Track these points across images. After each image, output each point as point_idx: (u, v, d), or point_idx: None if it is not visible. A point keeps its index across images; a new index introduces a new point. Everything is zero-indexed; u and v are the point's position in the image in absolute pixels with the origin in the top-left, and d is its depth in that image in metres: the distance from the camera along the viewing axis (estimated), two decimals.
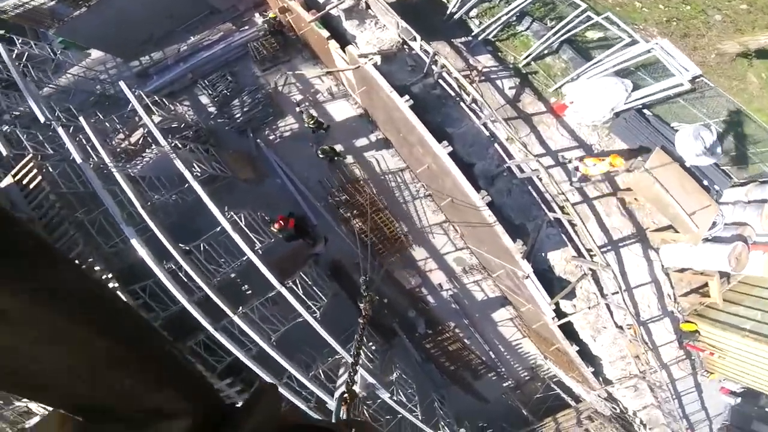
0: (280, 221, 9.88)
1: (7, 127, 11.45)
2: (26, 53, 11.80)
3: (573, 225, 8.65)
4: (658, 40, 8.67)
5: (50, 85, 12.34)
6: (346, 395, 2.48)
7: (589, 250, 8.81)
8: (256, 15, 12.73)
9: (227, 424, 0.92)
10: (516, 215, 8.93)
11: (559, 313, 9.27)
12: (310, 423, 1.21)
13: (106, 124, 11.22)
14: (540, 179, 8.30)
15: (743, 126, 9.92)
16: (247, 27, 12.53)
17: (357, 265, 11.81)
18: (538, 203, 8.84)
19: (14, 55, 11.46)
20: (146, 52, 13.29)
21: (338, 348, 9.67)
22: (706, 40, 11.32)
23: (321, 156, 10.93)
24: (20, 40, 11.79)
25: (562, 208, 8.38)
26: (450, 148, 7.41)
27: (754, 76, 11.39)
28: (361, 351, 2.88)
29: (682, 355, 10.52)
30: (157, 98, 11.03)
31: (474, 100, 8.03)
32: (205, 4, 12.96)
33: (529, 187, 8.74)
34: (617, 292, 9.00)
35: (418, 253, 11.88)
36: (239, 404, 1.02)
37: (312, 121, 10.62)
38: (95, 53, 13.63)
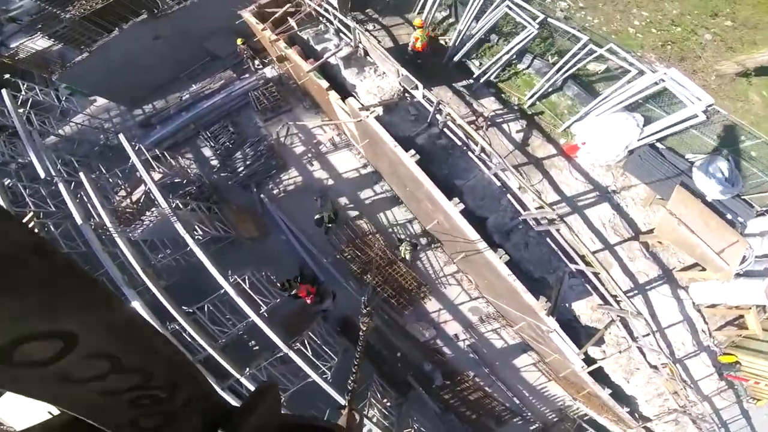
0: (305, 289, 9.76)
1: (9, 180, 11.40)
2: (30, 100, 11.74)
3: (596, 274, 8.20)
4: (665, 69, 8.30)
5: (54, 134, 12.36)
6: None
7: (615, 296, 8.36)
8: (257, 62, 12.83)
9: (228, 424, 0.94)
10: (535, 269, 8.48)
11: (589, 360, 8.77)
12: (309, 423, 1.23)
13: (108, 179, 11.21)
14: (558, 230, 7.89)
15: (758, 150, 9.44)
16: (247, 75, 12.62)
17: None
18: (557, 255, 8.39)
19: (19, 102, 11.39)
20: (149, 99, 13.49)
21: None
22: (703, 62, 11.17)
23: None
24: (25, 86, 11.76)
25: (583, 258, 7.92)
26: (462, 206, 7.08)
27: (756, 95, 11.20)
28: (358, 368, 2.87)
29: (723, 386, 10.06)
30: (158, 152, 11.03)
31: (482, 149, 7.73)
32: (205, 52, 13.16)
33: (548, 239, 8.31)
34: (649, 335, 8.52)
35: (431, 305, 11.43)
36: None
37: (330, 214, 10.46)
38: (100, 100, 13.82)
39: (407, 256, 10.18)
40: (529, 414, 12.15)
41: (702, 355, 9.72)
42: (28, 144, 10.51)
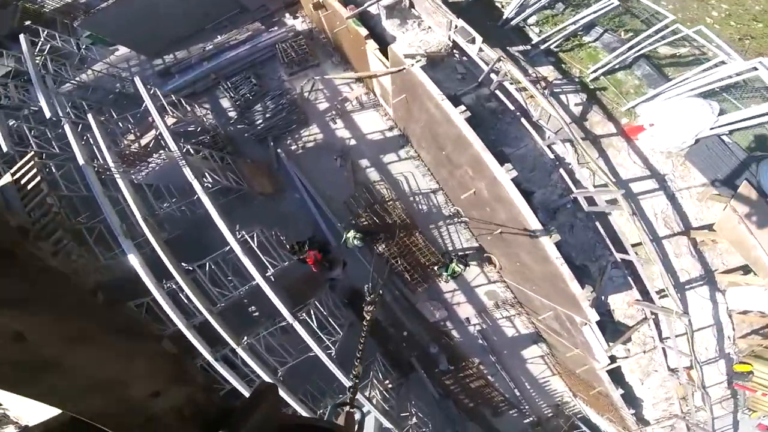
0: (312, 255, 8.10)
1: (13, 121, 9.82)
2: (49, 46, 10.46)
3: (642, 264, 6.63)
4: (760, 58, 6.63)
5: (70, 81, 10.70)
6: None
7: (659, 292, 6.84)
8: (287, 15, 10.92)
9: (228, 424, 0.89)
10: (578, 254, 6.87)
11: (611, 358, 7.58)
12: (309, 423, 1.13)
13: (119, 123, 9.48)
14: (610, 213, 6.23)
15: None
16: (276, 27, 10.71)
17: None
18: (604, 241, 6.73)
19: (37, 48, 10.13)
20: (171, 50, 11.61)
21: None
22: None
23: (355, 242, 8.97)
24: (45, 32, 10.35)
25: (636, 246, 6.30)
26: (515, 173, 5.37)
27: None
28: (360, 362, 2.31)
29: (727, 395, 8.98)
30: (174, 98, 9.26)
31: (540, 117, 5.96)
32: (235, 3, 11.25)
33: (597, 223, 6.62)
34: (683, 335, 7.25)
35: (446, 284, 9.79)
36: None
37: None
38: (121, 51, 12.05)
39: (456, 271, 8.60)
40: (526, 407, 11.04)
41: (720, 362, 8.54)
42: (38, 86, 8.95)
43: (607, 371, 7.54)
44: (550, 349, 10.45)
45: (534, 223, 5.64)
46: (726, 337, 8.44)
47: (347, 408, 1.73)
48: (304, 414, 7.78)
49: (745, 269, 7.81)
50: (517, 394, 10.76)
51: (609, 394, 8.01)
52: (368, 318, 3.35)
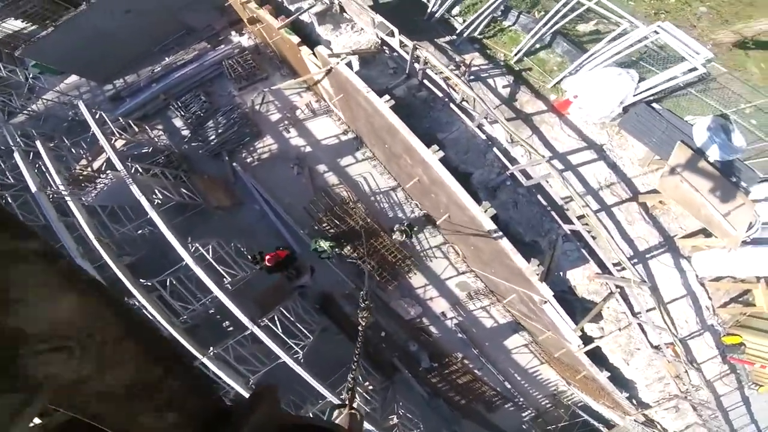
0: (269, 257, 8.48)
1: None
2: None
3: (594, 237, 7.08)
4: (660, 23, 7.35)
5: (21, 112, 11.24)
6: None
7: (616, 264, 7.23)
8: (233, 33, 11.69)
9: (227, 424, 0.93)
10: (526, 231, 7.38)
11: (586, 339, 7.81)
12: (309, 423, 1.18)
13: (71, 149, 10.01)
14: (550, 185, 6.79)
15: (758, 117, 8.61)
16: (222, 45, 11.47)
17: (348, 295, 10.31)
18: (550, 215, 7.27)
19: None
20: (120, 74, 12.27)
21: (324, 392, 8.02)
22: (698, 31, 10.41)
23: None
24: None
25: (581, 218, 6.80)
26: (441, 153, 5.98)
27: (755, 66, 10.37)
28: (357, 364, 2.50)
29: (726, 370, 9.10)
30: (122, 121, 9.84)
31: (464, 99, 6.62)
32: (181, 24, 11.99)
33: (539, 196, 7.22)
34: (653, 309, 7.41)
35: (417, 280, 10.29)
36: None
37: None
38: (70, 78, 12.64)
39: (402, 237, 9.00)
40: (521, 400, 11.21)
41: (705, 335, 8.72)
42: None
43: (585, 353, 7.60)
44: (532, 336, 10.73)
45: (467, 200, 6.19)
46: (704, 308, 8.63)
47: (347, 409, 1.79)
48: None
49: (706, 233, 8.13)
50: (509, 386, 10.96)
51: (595, 377, 8.09)
52: (363, 324, 3.41)
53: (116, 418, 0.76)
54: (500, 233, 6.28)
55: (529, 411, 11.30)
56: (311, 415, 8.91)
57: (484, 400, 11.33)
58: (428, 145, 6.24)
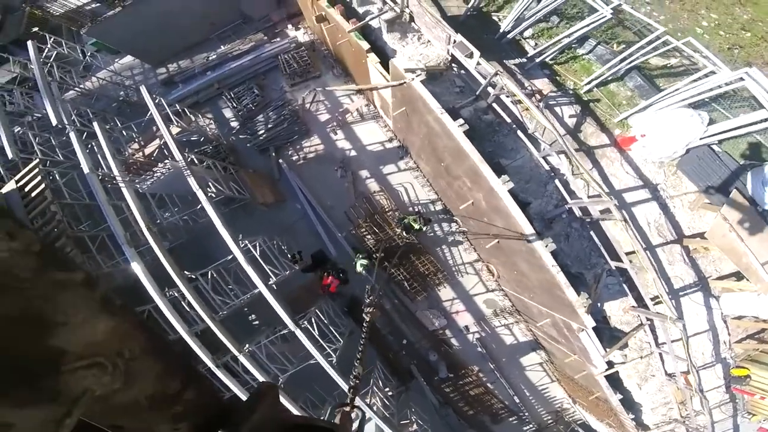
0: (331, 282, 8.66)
1: (19, 128, 10.07)
2: (55, 53, 10.72)
3: (638, 273, 6.89)
4: (746, 68, 6.98)
5: (75, 88, 10.98)
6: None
7: (654, 298, 7.08)
8: (290, 26, 11.29)
9: (228, 423, 0.91)
10: (573, 263, 7.11)
11: (608, 364, 7.74)
12: (309, 422, 1.15)
13: (123, 132, 9.75)
14: (603, 220, 6.51)
15: None
16: (279, 39, 11.08)
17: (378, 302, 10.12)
18: (598, 249, 7.00)
19: (43, 55, 10.37)
20: (175, 59, 11.95)
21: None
22: None
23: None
24: (52, 39, 10.62)
25: (629, 254, 6.56)
26: (511, 184, 5.65)
27: None
28: (362, 363, 2.42)
29: (726, 399, 9.08)
30: (178, 107, 9.55)
31: (535, 129, 6.27)
32: (239, 14, 11.63)
33: (591, 232, 6.90)
34: (679, 340, 7.40)
35: (445, 293, 10.07)
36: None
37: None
38: (125, 59, 12.36)
39: (418, 227, 8.66)
40: (526, 414, 11.14)
41: (717, 366, 8.69)
42: (44, 92, 9.14)
43: (605, 377, 7.68)
44: (549, 356, 10.61)
45: (530, 232, 5.91)
46: (722, 342, 8.62)
47: (346, 408, 1.76)
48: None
49: (738, 276, 8.03)
50: (517, 401, 10.90)
51: (608, 399, 8.14)
52: (368, 319, 3.41)
53: (135, 428, 0.80)
54: (557, 267, 6.03)
55: (531, 425, 11.19)
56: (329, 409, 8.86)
57: (491, 412, 11.25)
58: (495, 172, 5.94)
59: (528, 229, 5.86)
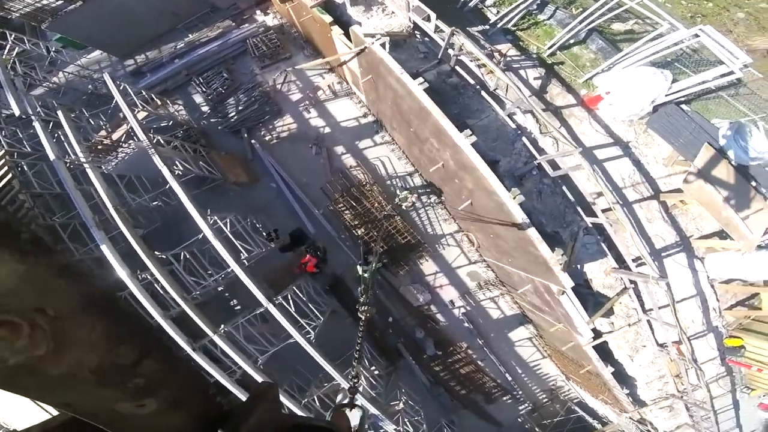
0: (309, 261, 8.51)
1: None
2: (17, 50, 10.48)
3: (614, 231, 6.89)
4: (701, 26, 7.14)
5: (42, 84, 10.88)
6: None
7: (635, 260, 7.07)
8: (258, 12, 11.30)
9: (227, 424, 0.89)
10: (548, 221, 7.15)
11: (595, 333, 7.69)
12: (309, 423, 1.15)
13: (90, 121, 9.66)
14: (577, 178, 6.54)
15: None
16: (247, 24, 11.08)
17: (358, 278, 10.07)
18: (573, 207, 7.03)
19: (5, 51, 10.24)
20: (142, 50, 11.88)
21: (334, 373, 7.79)
22: (734, 36, 10.16)
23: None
24: (12, 36, 10.42)
25: (605, 211, 6.59)
26: (474, 138, 5.68)
27: None
28: (362, 354, 2.43)
29: (723, 372, 9.08)
30: (145, 94, 9.49)
31: (497, 87, 6.31)
32: (206, 2, 11.60)
33: (564, 188, 6.95)
34: (666, 306, 7.31)
35: (428, 267, 10.05)
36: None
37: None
38: (92, 54, 12.25)
39: (406, 199, 8.70)
40: (520, 393, 11.08)
41: (709, 336, 8.64)
42: (6, 87, 9.04)
43: (593, 347, 7.60)
44: (537, 330, 10.59)
45: (497, 185, 5.93)
46: (711, 309, 8.57)
47: (345, 409, 1.75)
48: (301, 413, 7.83)
49: (721, 235, 8.06)
50: (509, 379, 10.83)
51: (599, 372, 8.07)
52: (363, 318, 3.33)
53: (87, 406, 0.68)
54: (527, 221, 6.03)
55: (526, 404, 11.18)
56: (316, 398, 8.74)
57: (484, 391, 11.20)
58: (459, 129, 5.96)
59: (494, 181, 5.87)
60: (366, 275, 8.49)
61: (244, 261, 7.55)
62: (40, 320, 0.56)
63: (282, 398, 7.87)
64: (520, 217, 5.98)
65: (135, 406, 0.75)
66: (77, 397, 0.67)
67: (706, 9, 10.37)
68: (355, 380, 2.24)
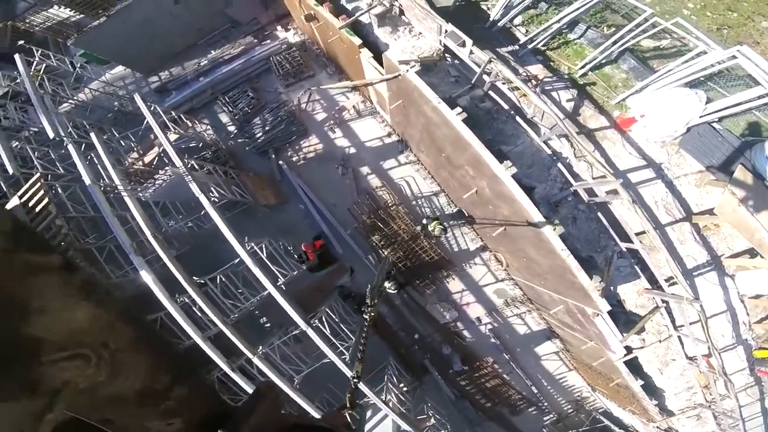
0: (307, 249, 8.40)
1: (17, 143, 10.20)
2: (44, 66, 10.78)
3: (650, 253, 6.97)
4: (738, 47, 7.10)
5: (68, 101, 11.11)
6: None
7: (667, 280, 7.14)
8: (279, 28, 11.41)
9: (227, 424, 0.92)
10: (583, 246, 7.20)
11: (627, 349, 7.80)
12: (309, 422, 1.16)
13: (121, 142, 9.89)
14: (612, 203, 6.60)
15: None
16: (269, 41, 11.20)
17: (386, 298, 10.23)
18: (607, 231, 7.09)
19: (32, 68, 10.42)
20: (165, 66, 12.08)
21: (367, 391, 7.98)
22: (762, 48, 9.93)
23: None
24: (39, 52, 10.65)
25: (639, 234, 6.66)
26: (515, 170, 5.75)
27: None
28: (360, 363, 2.44)
29: (751, 382, 8.98)
30: (174, 114, 9.68)
31: (534, 114, 6.37)
32: (227, 18, 11.75)
33: (599, 214, 7.00)
34: (697, 322, 7.40)
35: (454, 285, 10.16)
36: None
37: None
38: (115, 69, 12.49)
39: (436, 232, 8.78)
40: (545, 404, 11.17)
41: (738, 348, 8.60)
42: (38, 106, 9.22)
43: (624, 362, 7.68)
44: (564, 344, 10.63)
45: (537, 217, 6.00)
46: (741, 323, 8.57)
47: (346, 409, 1.81)
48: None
49: (752, 253, 8.04)
50: (535, 391, 10.90)
51: (629, 385, 8.13)
52: (368, 319, 3.36)
53: (124, 422, 0.79)
54: (567, 251, 6.12)
55: (551, 415, 11.24)
56: (347, 415, 8.89)
57: (510, 403, 11.29)
58: (497, 159, 6.04)
59: (534, 213, 5.95)
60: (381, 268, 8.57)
61: (281, 286, 7.74)
62: (104, 352, 0.70)
63: (313, 413, 8.08)
64: (560, 247, 6.06)
65: (164, 425, 0.87)
66: (119, 415, 0.79)
67: (731, 20, 10.19)
68: (356, 380, 2.28)
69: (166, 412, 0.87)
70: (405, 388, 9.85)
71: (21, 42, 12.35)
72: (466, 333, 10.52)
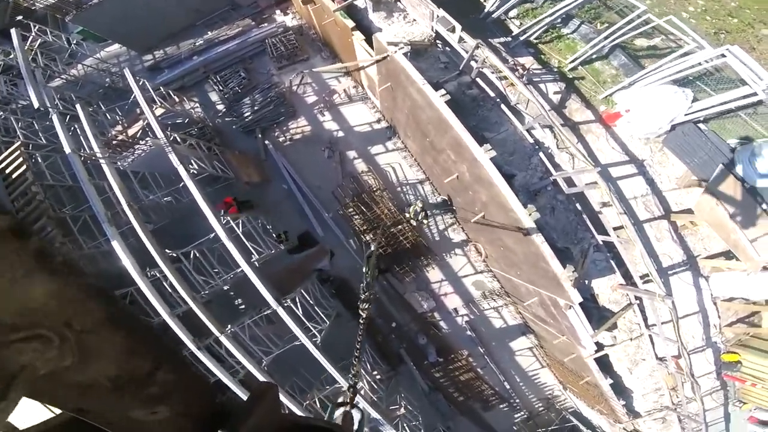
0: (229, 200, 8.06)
1: (1, 113, 9.90)
2: (39, 41, 10.44)
3: (626, 248, 6.83)
4: (728, 46, 6.99)
5: (61, 76, 10.80)
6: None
7: (642, 277, 7.00)
8: (278, 12, 11.20)
9: (226, 424, 0.89)
10: (559, 237, 7.05)
11: (598, 346, 7.69)
12: (308, 423, 1.14)
13: (107, 115, 9.58)
14: (591, 195, 6.43)
15: None
16: (266, 24, 10.98)
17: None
18: (585, 224, 6.93)
19: (28, 43, 10.16)
20: (161, 46, 11.80)
21: (338, 377, 7.71)
22: (757, 53, 9.96)
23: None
24: (36, 28, 10.36)
25: (617, 229, 6.50)
26: (493, 153, 5.57)
27: None
28: (359, 361, 2.25)
29: (717, 386, 9.02)
30: (163, 90, 9.41)
31: (518, 102, 6.20)
32: (227, 0, 11.50)
33: (577, 204, 6.83)
34: (669, 321, 7.31)
35: (434, 274, 9.97)
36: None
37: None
38: (110, 47, 12.19)
39: (419, 218, 8.56)
40: (517, 401, 11.06)
41: (707, 350, 8.61)
42: (26, 77, 8.96)
43: (594, 359, 7.60)
44: (539, 340, 10.54)
45: (513, 202, 5.83)
46: (712, 326, 8.54)
47: (346, 408, 1.74)
48: (300, 413, 7.75)
49: (727, 255, 7.98)
50: (507, 387, 10.80)
51: (598, 383, 8.07)
52: (364, 316, 3.26)
53: (103, 413, 0.72)
54: (541, 237, 5.94)
55: (522, 413, 11.13)
56: (317, 401, 8.65)
57: (482, 398, 11.14)
58: (478, 143, 5.85)
59: (511, 198, 5.78)
60: (371, 261, 8.28)
61: (255, 263, 7.46)
62: (67, 334, 0.61)
63: (283, 399, 7.79)
64: (534, 233, 5.88)
65: (148, 413, 0.78)
66: (94, 404, 0.70)
67: (731, 25, 10.19)
68: (356, 380, 2.19)
69: (150, 400, 0.78)
70: (378, 377, 9.59)
71: (19, 18, 12.08)
72: (442, 324, 10.31)
